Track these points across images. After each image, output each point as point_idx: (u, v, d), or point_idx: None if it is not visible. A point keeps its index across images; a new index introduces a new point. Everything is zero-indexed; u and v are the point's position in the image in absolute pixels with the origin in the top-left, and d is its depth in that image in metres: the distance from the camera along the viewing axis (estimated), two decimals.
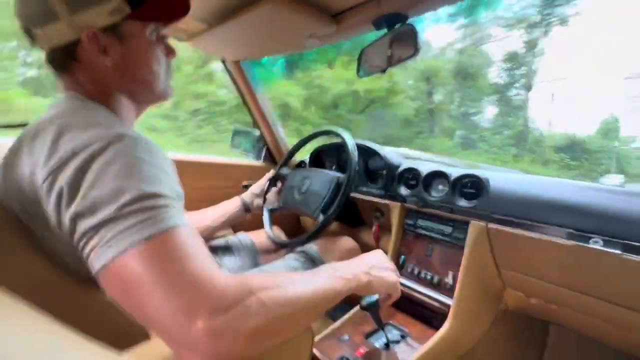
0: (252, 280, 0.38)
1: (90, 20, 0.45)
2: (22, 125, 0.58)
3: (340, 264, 0.54)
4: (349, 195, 0.94)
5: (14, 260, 0.41)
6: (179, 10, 0.53)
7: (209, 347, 0.32)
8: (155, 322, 0.33)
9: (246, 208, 1.08)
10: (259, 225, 1.12)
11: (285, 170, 1.20)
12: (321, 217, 0.93)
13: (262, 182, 1.15)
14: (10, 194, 0.43)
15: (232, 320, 0.33)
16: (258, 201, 1.12)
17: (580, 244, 0.64)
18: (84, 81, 0.49)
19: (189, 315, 0.32)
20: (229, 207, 1.05)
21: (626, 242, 0.59)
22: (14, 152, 0.43)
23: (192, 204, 1.26)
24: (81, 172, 0.36)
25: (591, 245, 0.63)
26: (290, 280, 0.42)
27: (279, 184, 1.20)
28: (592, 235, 0.63)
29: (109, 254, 0.34)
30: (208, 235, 1.00)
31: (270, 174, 1.17)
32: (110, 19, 0.46)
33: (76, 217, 0.36)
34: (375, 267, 0.58)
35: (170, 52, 0.56)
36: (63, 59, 0.48)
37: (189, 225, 0.39)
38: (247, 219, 1.11)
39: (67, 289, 0.44)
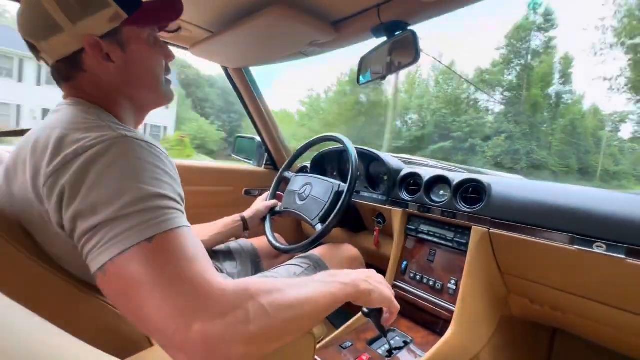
0: (251, 284, 0.38)
1: (91, 28, 0.47)
2: (23, 131, 0.59)
3: (339, 271, 0.54)
4: (348, 204, 0.94)
5: (15, 265, 0.41)
6: (170, 13, 0.56)
7: (206, 351, 0.32)
8: (152, 324, 0.33)
9: (245, 226, 1.04)
10: (260, 231, 1.12)
11: (289, 174, 1.21)
12: (319, 227, 0.93)
13: (264, 210, 1.10)
14: (12, 200, 0.43)
15: (231, 325, 0.33)
16: (257, 224, 1.08)
17: (584, 248, 0.64)
18: (89, 89, 0.50)
19: (187, 318, 0.32)
20: (227, 223, 1.01)
21: (629, 246, 0.59)
22: (16, 158, 0.44)
23: (195, 210, 1.26)
24: (83, 172, 0.37)
25: (594, 250, 0.63)
26: (289, 285, 0.42)
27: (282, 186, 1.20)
28: (595, 240, 0.63)
29: (109, 254, 0.34)
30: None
31: (272, 203, 1.12)
32: (110, 26, 0.48)
33: (77, 217, 0.36)
34: (372, 278, 0.58)
35: (168, 55, 0.58)
36: (69, 69, 0.49)
37: (190, 227, 0.39)
38: (244, 236, 1.06)
39: (68, 295, 0.44)
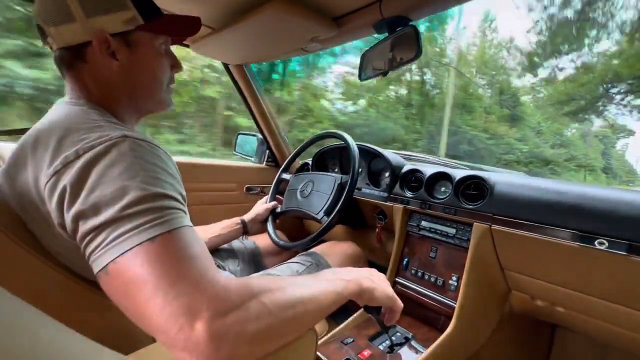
0: (254, 283, 0.38)
1: (104, 25, 0.48)
2: (22, 130, 0.59)
3: (342, 269, 0.54)
4: (352, 196, 0.94)
5: (18, 263, 0.41)
6: (190, 29, 0.57)
7: (209, 350, 0.32)
8: (155, 324, 0.33)
9: (245, 229, 1.05)
10: (260, 232, 1.12)
11: (287, 175, 1.21)
12: (325, 219, 0.93)
13: (264, 213, 1.10)
14: (14, 199, 0.43)
15: (234, 324, 0.33)
16: (258, 227, 1.09)
17: (586, 245, 0.64)
18: (89, 82, 0.50)
19: (190, 317, 0.32)
20: (227, 225, 1.02)
21: (631, 243, 0.59)
22: (17, 157, 0.44)
23: (196, 207, 1.27)
24: (84, 172, 0.37)
25: (596, 247, 0.62)
26: (292, 283, 0.42)
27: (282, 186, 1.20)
28: (597, 237, 0.63)
29: (111, 255, 0.34)
30: None
31: (272, 205, 1.12)
32: (124, 27, 0.49)
33: (79, 218, 0.36)
34: (375, 275, 0.58)
35: (176, 65, 0.58)
36: (72, 59, 0.49)
37: (192, 227, 0.39)
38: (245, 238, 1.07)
39: (71, 292, 0.45)
